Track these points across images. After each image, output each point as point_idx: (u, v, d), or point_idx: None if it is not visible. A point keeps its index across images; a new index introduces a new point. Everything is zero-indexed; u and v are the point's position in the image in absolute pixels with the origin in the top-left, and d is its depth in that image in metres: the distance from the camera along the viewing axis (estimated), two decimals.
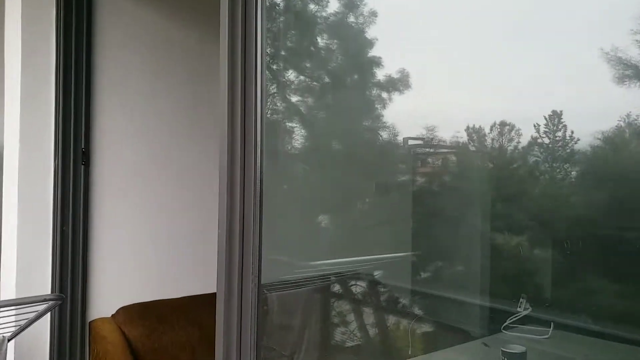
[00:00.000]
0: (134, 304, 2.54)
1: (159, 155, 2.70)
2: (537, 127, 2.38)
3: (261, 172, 1.24)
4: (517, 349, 1.83)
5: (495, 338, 2.46)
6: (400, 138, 2.85)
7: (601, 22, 1.83)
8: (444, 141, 2.83)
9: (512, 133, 2.72)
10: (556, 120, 2.35)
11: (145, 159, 2.66)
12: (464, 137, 2.70)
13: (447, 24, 2.27)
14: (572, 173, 2.46)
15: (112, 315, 2.50)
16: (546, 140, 2.42)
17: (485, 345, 2.35)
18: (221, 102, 1.27)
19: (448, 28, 2.26)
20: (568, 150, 2.36)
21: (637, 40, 1.88)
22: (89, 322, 2.46)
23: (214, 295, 2.79)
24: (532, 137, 2.49)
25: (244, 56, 1.24)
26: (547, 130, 2.39)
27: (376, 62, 2.83)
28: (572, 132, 2.29)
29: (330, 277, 2.81)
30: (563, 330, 2.33)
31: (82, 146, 2.34)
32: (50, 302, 1.52)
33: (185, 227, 2.78)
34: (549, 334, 2.27)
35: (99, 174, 2.50)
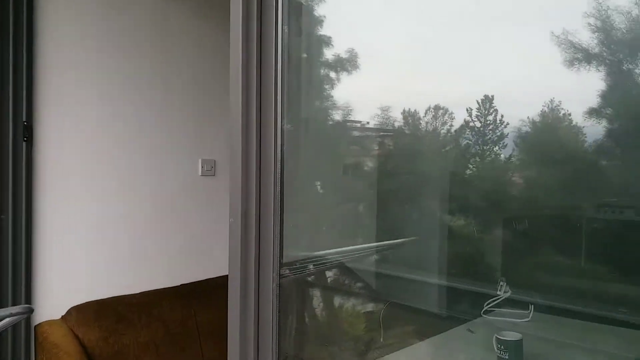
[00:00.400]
0: (87, 303, 2.22)
1: (119, 129, 2.36)
2: (469, 110, 2.43)
3: (282, 152, 1.02)
4: (513, 336, 1.76)
5: (476, 323, 2.39)
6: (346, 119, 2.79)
7: (553, 4, 1.81)
8: (383, 124, 2.82)
9: (446, 116, 2.77)
10: (487, 105, 2.41)
11: (102, 134, 2.31)
12: (400, 121, 2.74)
13: (390, 5, 2.21)
14: (501, 156, 2.51)
15: (63, 316, 2.17)
16: (477, 124, 2.47)
17: (471, 331, 2.27)
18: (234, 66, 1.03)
19: (391, 10, 2.20)
20: (498, 133, 2.42)
21: (588, 24, 1.87)
22: (35, 327, 2.12)
23: (178, 288, 2.52)
24: (464, 120, 2.49)
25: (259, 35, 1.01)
26: (478, 114, 2.44)
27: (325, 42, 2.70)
28: (502, 116, 2.34)
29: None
30: (540, 312, 2.29)
31: (24, 119, 1.97)
32: (15, 317, 1.21)
33: (147, 214, 2.47)
34: (529, 316, 2.21)
35: (45, 152, 2.14)
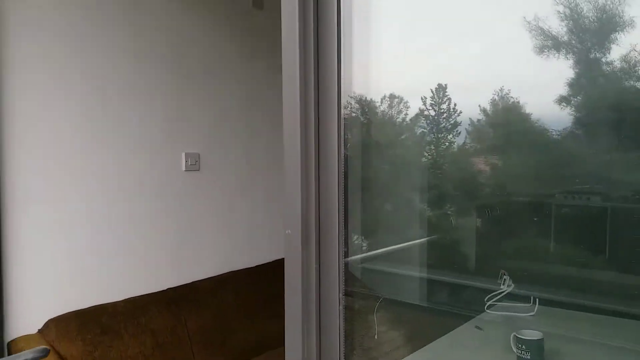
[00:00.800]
0: (67, 314, 2.00)
1: (94, 124, 2.12)
2: (423, 99, 2.45)
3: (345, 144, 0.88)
4: (533, 334, 1.72)
5: (481, 319, 2.35)
6: None
7: None
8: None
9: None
10: (441, 93, 2.44)
11: (81, 121, 2.07)
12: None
13: None
14: (455, 143, 2.55)
15: (40, 330, 1.94)
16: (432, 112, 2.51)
17: (479, 328, 2.22)
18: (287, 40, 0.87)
19: None
20: (452, 122, 2.47)
21: (558, 11, 1.87)
22: (8, 343, 1.88)
23: (164, 292, 2.33)
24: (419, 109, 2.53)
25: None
26: (432, 102, 2.48)
27: None
28: (455, 104, 2.35)
29: None
30: (541, 305, 2.27)
31: None
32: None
33: (128, 214, 2.25)
34: (535, 310, 2.18)
35: (12, 141, 1.89)
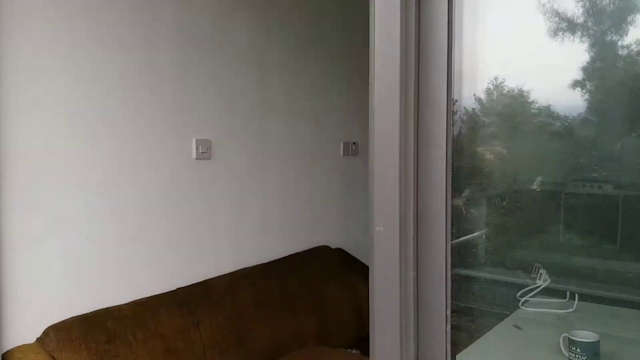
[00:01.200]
0: (68, 320, 1.78)
1: (98, 108, 1.89)
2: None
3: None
4: (589, 336, 1.57)
5: (517, 317, 2.18)
6: None
7: None
8: None
9: None
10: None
11: (78, 116, 1.84)
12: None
13: None
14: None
15: (39, 339, 1.73)
16: None
17: (518, 327, 2.06)
18: None
19: None
20: None
21: None
22: (3, 354, 1.66)
23: (174, 293, 2.12)
24: None
25: None
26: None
27: None
28: None
29: None
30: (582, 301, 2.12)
31: None
32: None
33: (132, 207, 2.03)
34: (574, 306, 2.02)
35: (6, 139, 1.66)
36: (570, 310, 1.95)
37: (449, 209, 0.68)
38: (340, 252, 2.97)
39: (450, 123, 0.68)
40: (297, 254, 2.70)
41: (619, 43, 1.81)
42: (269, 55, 2.53)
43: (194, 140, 2.21)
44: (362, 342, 2.42)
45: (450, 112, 0.68)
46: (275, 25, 2.57)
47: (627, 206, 1.75)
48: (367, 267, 3.22)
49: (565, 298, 1.97)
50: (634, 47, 1.56)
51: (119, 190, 1.97)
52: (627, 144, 1.71)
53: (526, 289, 2.39)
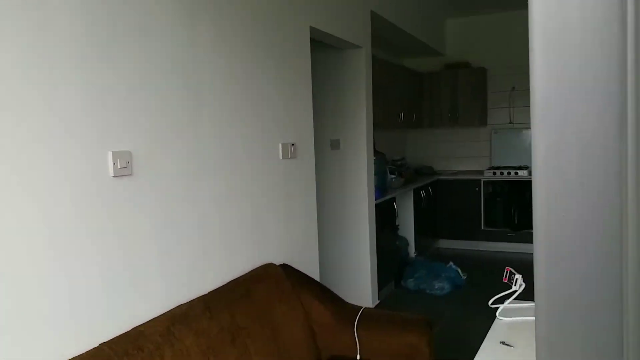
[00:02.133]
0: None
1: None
2: None
3: None
4: None
5: (496, 329, 2.00)
6: None
7: None
8: None
9: None
10: None
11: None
12: None
13: None
14: None
15: None
16: None
17: (507, 345, 1.87)
18: None
19: None
20: None
21: None
22: None
23: (97, 349, 1.65)
24: None
25: None
26: None
27: None
28: None
29: None
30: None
31: None
32: None
33: (24, 237, 1.52)
34: None
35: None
36: None
37: None
38: (286, 268, 2.63)
39: None
40: (242, 276, 2.32)
41: None
42: (194, 50, 2.10)
43: (110, 153, 1.73)
44: None
45: None
46: (201, 13, 2.14)
47: None
48: (314, 281, 2.84)
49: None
50: None
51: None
52: None
53: (497, 296, 2.20)
